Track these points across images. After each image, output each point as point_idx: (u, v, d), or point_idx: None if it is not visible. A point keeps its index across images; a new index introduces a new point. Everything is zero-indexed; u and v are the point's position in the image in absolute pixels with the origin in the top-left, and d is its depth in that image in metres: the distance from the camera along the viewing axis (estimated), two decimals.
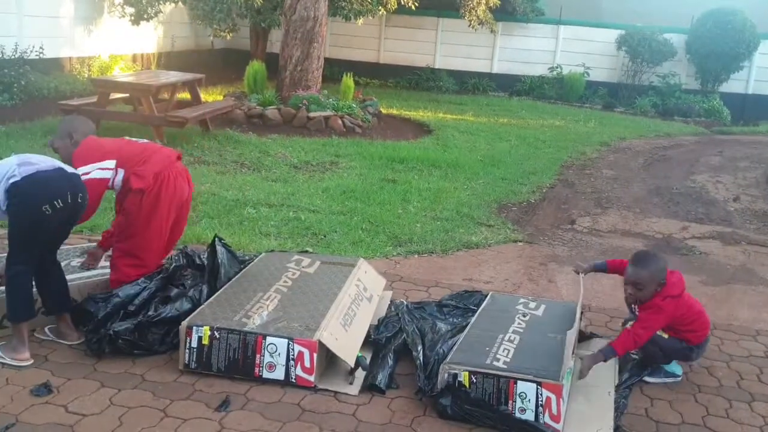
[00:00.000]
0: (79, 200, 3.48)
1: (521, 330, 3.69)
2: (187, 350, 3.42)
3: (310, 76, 10.98)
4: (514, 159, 9.32)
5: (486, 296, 4.23)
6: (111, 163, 3.86)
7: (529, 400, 3.13)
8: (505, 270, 5.25)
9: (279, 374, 3.37)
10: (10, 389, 3.18)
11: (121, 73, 11.78)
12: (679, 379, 3.70)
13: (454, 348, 3.48)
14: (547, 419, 3.12)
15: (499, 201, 7.23)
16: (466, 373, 3.23)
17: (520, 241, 5.99)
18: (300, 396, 3.32)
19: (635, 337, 3.50)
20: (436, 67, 16.86)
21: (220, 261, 4.07)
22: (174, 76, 9.69)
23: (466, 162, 8.78)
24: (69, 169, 3.56)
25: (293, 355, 3.36)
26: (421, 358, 3.58)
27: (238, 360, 3.40)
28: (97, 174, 3.78)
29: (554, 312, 3.98)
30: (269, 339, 3.38)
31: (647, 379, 3.66)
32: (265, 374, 3.39)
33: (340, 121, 10.20)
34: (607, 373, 3.62)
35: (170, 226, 4.13)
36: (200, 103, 9.66)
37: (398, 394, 3.41)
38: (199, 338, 3.41)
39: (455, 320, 3.96)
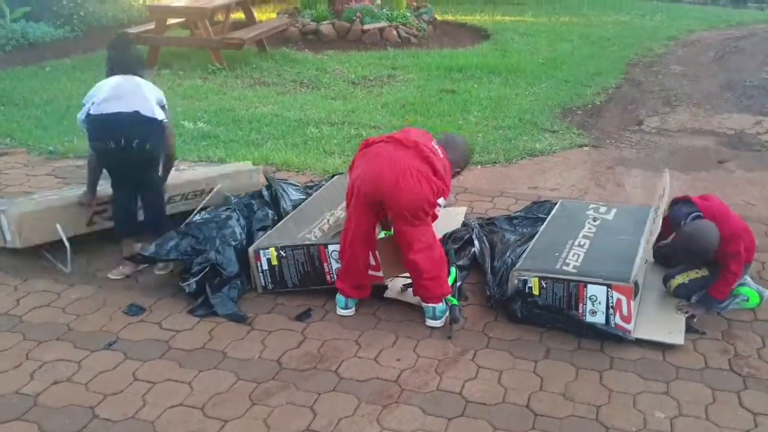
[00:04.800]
0: (134, 145, 3.56)
1: (591, 235, 3.71)
2: (260, 273, 3.58)
3: None
4: (578, 60, 9.03)
5: (555, 204, 4.23)
6: None
7: (600, 302, 3.19)
8: (572, 176, 5.21)
9: None
10: (107, 310, 3.44)
11: None
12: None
13: (524, 255, 3.53)
14: (618, 320, 3.17)
15: (563, 105, 7.08)
16: (536, 279, 3.29)
17: (586, 146, 5.90)
18: (375, 307, 3.46)
19: (731, 276, 3.30)
20: None
21: (277, 194, 4.21)
22: None
23: (526, 66, 8.56)
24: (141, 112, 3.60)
25: None
26: (490, 269, 3.65)
27: (309, 272, 3.55)
28: None
29: (625, 216, 3.96)
30: (331, 247, 3.50)
31: (722, 311, 3.42)
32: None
33: (394, 32, 10.02)
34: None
35: None
36: (255, 23, 9.62)
37: (469, 303, 3.52)
38: (268, 260, 3.55)
39: (524, 230, 3.99)
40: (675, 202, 3.52)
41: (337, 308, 3.41)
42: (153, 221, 3.87)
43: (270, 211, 4.03)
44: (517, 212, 4.36)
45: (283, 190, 4.23)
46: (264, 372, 2.97)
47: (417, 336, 3.25)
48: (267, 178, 4.39)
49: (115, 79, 3.66)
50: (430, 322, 3.32)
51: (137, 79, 3.72)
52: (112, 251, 3.92)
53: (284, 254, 3.54)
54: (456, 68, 8.43)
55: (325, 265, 3.53)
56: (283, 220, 3.93)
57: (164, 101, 3.79)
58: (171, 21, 9.08)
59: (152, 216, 3.88)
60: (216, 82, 7.77)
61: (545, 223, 3.93)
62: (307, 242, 3.57)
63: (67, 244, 3.79)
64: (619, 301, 3.16)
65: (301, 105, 6.95)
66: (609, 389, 2.88)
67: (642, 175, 5.24)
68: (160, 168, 3.89)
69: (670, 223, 3.43)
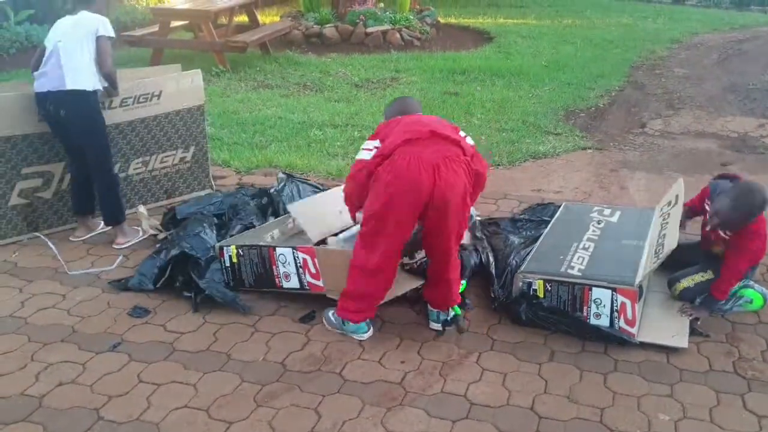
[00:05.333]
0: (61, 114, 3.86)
1: (596, 237, 3.71)
2: (223, 270, 3.59)
3: None
4: (581, 62, 9.03)
5: (559, 207, 4.23)
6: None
7: (604, 305, 3.19)
8: (575, 178, 5.21)
9: (294, 283, 3.48)
10: (112, 312, 3.45)
11: (178, 0, 11.80)
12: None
13: (528, 257, 3.54)
14: (622, 324, 3.17)
15: (566, 108, 7.08)
16: (541, 281, 3.29)
17: (589, 148, 5.90)
18: (378, 309, 3.45)
19: (734, 274, 3.29)
20: None
21: (276, 198, 4.26)
22: None
23: (530, 69, 8.56)
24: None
25: (299, 262, 3.42)
26: (494, 271, 3.65)
27: (261, 273, 3.54)
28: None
29: (630, 218, 3.96)
30: (278, 250, 3.46)
31: (726, 314, 3.42)
32: (284, 284, 3.51)
33: (398, 35, 10.03)
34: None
35: None
36: (258, 26, 9.64)
37: (473, 305, 3.52)
38: (230, 257, 3.57)
39: (528, 233, 3.99)
40: (720, 177, 3.55)
41: (359, 335, 3.23)
42: (101, 204, 4.11)
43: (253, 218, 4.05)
44: (520, 214, 4.36)
45: (297, 191, 4.24)
46: (268, 374, 2.98)
47: (421, 338, 3.25)
48: (281, 178, 4.39)
49: (60, 36, 3.88)
50: (433, 325, 3.32)
51: (78, 28, 3.88)
52: (113, 252, 4.00)
53: (242, 253, 3.53)
54: (459, 71, 8.44)
55: (274, 268, 3.48)
56: (268, 222, 3.93)
57: (104, 29, 3.88)
58: (174, 23, 9.11)
59: (100, 198, 4.09)
60: (220, 85, 7.78)
61: (549, 225, 3.93)
62: (260, 243, 3.54)
63: (50, 243, 4.02)
64: (623, 304, 3.16)
65: (304, 107, 6.96)
66: (613, 392, 2.88)
67: (646, 178, 5.24)
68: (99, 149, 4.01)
69: (710, 195, 3.46)
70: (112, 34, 3.95)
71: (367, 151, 3.09)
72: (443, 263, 3.19)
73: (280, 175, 4.60)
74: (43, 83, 3.87)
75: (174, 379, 2.94)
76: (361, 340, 3.21)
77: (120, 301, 3.53)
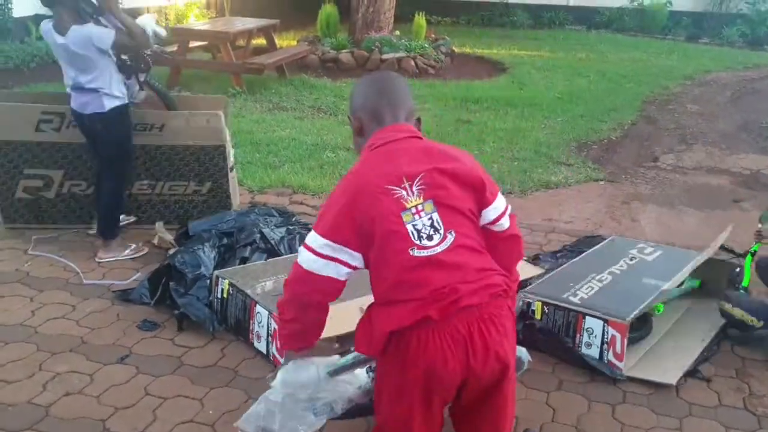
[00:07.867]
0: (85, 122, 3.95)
1: (618, 272, 3.63)
2: (215, 299, 3.45)
3: (382, 17, 10.91)
4: (594, 95, 9.08)
5: (605, 240, 4.16)
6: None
7: (596, 336, 3.16)
8: (587, 209, 5.22)
9: (263, 347, 3.20)
10: (121, 324, 3.45)
11: (197, 22, 11.99)
12: None
13: (540, 280, 3.55)
14: (610, 357, 3.14)
15: (579, 139, 7.11)
16: (540, 303, 3.30)
17: (601, 180, 5.91)
18: None
19: None
20: (510, 0, 16.36)
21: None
22: (250, 22, 9.79)
23: (543, 100, 8.62)
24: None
25: (271, 330, 3.11)
26: None
27: (241, 321, 3.32)
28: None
29: (666, 258, 3.82)
30: (258, 308, 3.19)
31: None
32: (255, 343, 3.24)
33: (412, 63, 10.14)
34: (713, 321, 3.56)
35: None
36: (276, 49, 9.76)
37: None
38: (222, 290, 3.41)
39: (563, 261, 3.96)
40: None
41: None
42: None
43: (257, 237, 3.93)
44: (565, 246, 4.34)
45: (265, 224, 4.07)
46: None
47: None
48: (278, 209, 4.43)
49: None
50: None
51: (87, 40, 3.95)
52: (129, 266, 3.99)
53: (232, 292, 3.35)
54: (472, 99, 8.50)
55: (251, 322, 3.23)
56: (272, 259, 3.73)
57: (106, 44, 3.91)
58: (193, 44, 9.24)
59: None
60: (235, 105, 7.86)
61: (582, 255, 3.90)
62: (247, 290, 3.29)
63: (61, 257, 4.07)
64: (613, 337, 3.12)
65: (318, 130, 7.02)
66: (621, 423, 2.86)
67: (657, 211, 5.24)
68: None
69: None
70: None
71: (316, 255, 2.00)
72: None
73: None
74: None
75: (180, 394, 2.94)
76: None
77: (130, 313, 3.54)
